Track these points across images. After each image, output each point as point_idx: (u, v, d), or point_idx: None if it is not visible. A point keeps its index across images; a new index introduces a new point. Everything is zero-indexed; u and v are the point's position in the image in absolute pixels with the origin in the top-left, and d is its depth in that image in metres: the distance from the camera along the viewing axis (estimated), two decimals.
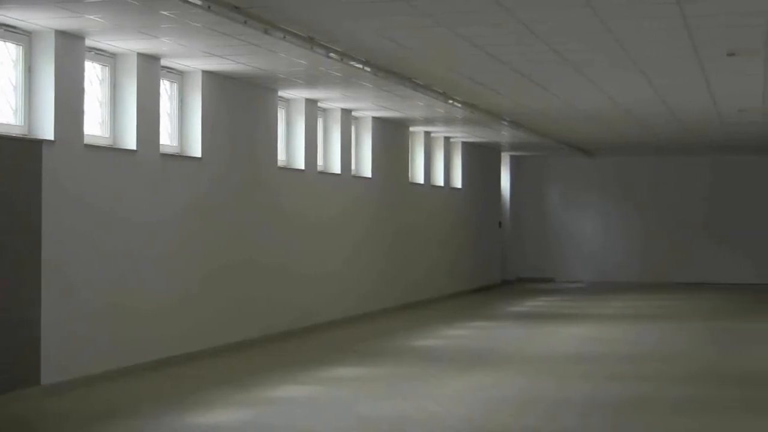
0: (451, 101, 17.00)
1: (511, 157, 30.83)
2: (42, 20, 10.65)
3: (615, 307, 22.35)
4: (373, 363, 13.43)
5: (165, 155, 13.30)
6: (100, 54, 12.25)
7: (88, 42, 11.68)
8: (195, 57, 12.92)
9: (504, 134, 23.87)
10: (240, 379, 11.92)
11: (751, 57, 12.88)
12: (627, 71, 14.12)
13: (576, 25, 10.98)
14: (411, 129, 22.33)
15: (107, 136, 12.47)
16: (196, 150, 14.02)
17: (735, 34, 11.45)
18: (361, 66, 13.15)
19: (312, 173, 17.35)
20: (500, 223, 30.01)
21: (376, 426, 9.45)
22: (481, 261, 27.71)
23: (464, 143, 25.94)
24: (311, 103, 17.15)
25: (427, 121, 21.15)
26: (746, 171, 29.95)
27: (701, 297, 25.01)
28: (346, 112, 18.67)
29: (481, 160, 27.70)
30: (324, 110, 18.28)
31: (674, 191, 30.49)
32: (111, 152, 12.30)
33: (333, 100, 17.39)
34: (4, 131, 10.72)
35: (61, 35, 11.15)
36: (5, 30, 10.76)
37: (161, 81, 13.30)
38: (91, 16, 10.45)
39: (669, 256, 30.52)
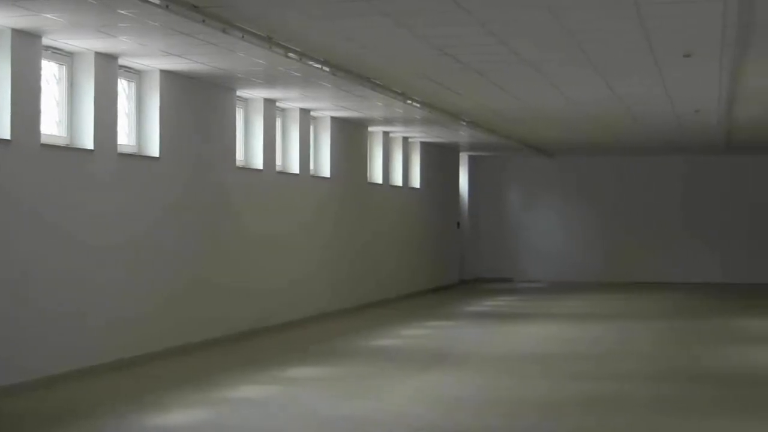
0: (409, 101, 17.02)
1: (470, 157, 30.91)
2: None
3: (574, 306, 22.45)
4: (332, 363, 13.43)
5: (123, 155, 13.23)
6: (57, 53, 12.18)
7: (45, 40, 11.61)
8: (153, 56, 12.86)
9: (462, 134, 23.93)
10: (198, 380, 11.88)
11: (707, 58, 12.98)
12: (585, 72, 14.19)
13: (534, 26, 11.02)
14: (370, 129, 22.34)
15: (64, 135, 12.40)
16: (154, 150, 13.97)
17: (691, 35, 11.53)
18: (319, 66, 13.14)
19: (270, 173, 17.32)
20: (458, 223, 30.08)
21: (335, 426, 9.45)
22: (439, 261, 27.76)
23: (423, 143, 25.98)
24: (270, 103, 17.13)
25: (386, 121, 21.17)
26: (706, 170, 30.19)
27: (662, 296, 25.17)
28: (305, 112, 18.66)
29: (439, 161, 27.75)
30: (283, 110, 18.26)
31: (633, 191, 30.68)
32: (68, 152, 12.23)
33: (292, 99, 17.37)
34: None
35: (18, 34, 11.07)
36: None
37: (119, 80, 13.23)
38: (48, 15, 10.39)
39: (629, 255, 30.71)
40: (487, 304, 22.92)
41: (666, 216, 30.46)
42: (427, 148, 26.41)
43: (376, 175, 23.11)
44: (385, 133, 23.31)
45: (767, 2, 9.83)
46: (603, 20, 10.71)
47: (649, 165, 30.54)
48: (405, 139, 24.78)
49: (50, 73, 12.22)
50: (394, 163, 24.41)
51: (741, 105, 17.98)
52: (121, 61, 13.06)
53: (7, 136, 11.03)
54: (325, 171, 19.97)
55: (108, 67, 12.71)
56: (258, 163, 17.03)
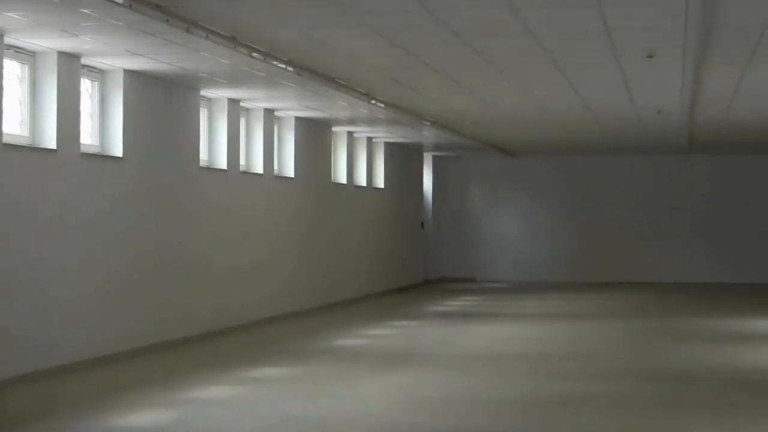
0: (373, 101, 17.04)
1: (434, 157, 30.95)
2: None
3: (537, 306, 22.53)
4: (296, 363, 13.42)
5: (85, 155, 13.17)
6: (19, 52, 12.11)
7: (7, 40, 11.54)
8: (116, 56, 12.82)
9: (426, 135, 23.96)
10: (161, 380, 11.84)
11: (669, 59, 13.06)
12: (548, 72, 14.25)
13: (497, 26, 11.06)
14: (334, 129, 22.34)
15: (26, 135, 12.33)
16: (117, 149, 13.91)
17: (654, 36, 11.60)
18: (284, 66, 13.13)
19: (234, 173, 17.28)
20: (422, 223, 30.12)
21: (299, 426, 9.45)
22: (403, 261, 27.78)
23: (387, 143, 26.00)
24: (234, 103, 17.09)
25: (350, 121, 21.18)
26: (668, 171, 30.37)
27: (625, 296, 25.29)
28: (269, 112, 18.63)
29: (403, 161, 27.78)
30: (247, 110, 18.23)
31: (596, 191, 30.82)
32: (30, 151, 12.16)
33: (256, 99, 17.34)
34: None
35: None
36: None
37: (82, 80, 13.17)
38: (10, 14, 10.33)
39: (592, 255, 30.84)
40: (451, 304, 22.96)
41: (629, 216, 30.63)
42: (391, 148, 26.44)
43: (341, 175, 23.11)
44: (350, 133, 23.32)
45: (729, 3, 9.90)
46: (565, 20, 10.76)
47: (612, 165, 30.69)
48: (369, 139, 24.79)
49: (12, 72, 12.14)
50: (358, 163, 24.42)
51: (703, 106, 18.10)
52: (84, 61, 13.00)
53: None
54: (289, 171, 19.96)
55: (71, 66, 12.65)
56: (222, 163, 16.99)
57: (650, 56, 12.80)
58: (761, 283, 29.33)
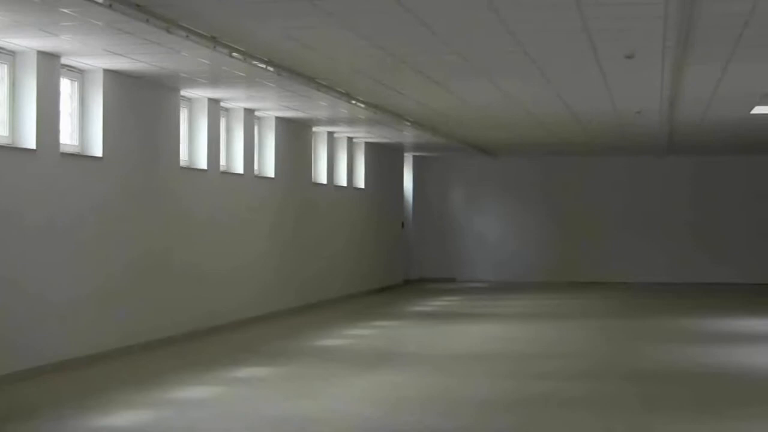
0: (354, 101, 17.04)
1: (414, 157, 30.97)
2: None
3: (518, 306, 22.58)
4: (277, 363, 13.42)
5: (65, 155, 13.14)
6: None
7: None
8: (96, 55, 12.78)
9: (407, 135, 23.98)
10: (143, 381, 11.82)
11: (649, 59, 13.10)
12: (528, 72, 14.27)
13: (477, 27, 11.07)
14: (314, 129, 22.33)
15: (6, 135, 12.28)
16: (97, 150, 13.88)
17: (633, 36, 11.63)
18: (264, 66, 13.12)
19: (214, 173, 17.26)
20: (403, 224, 30.14)
21: (279, 426, 9.45)
22: (384, 261, 27.79)
23: (367, 143, 26.01)
24: (214, 103, 17.07)
25: (331, 122, 21.17)
26: (648, 171, 30.48)
27: (605, 296, 25.36)
28: (249, 112, 18.61)
29: (384, 161, 27.79)
30: (227, 110, 18.21)
31: (576, 191, 30.90)
32: (10, 151, 12.12)
33: (236, 99, 17.32)
34: None
35: None
36: None
37: (62, 79, 13.13)
38: None
39: (572, 255, 30.92)
40: (432, 304, 22.99)
41: (609, 216, 30.71)
42: (371, 148, 26.44)
43: (321, 175, 23.10)
44: (330, 134, 23.31)
45: (708, 4, 9.94)
46: (545, 20, 10.78)
47: (592, 165, 30.78)
48: (349, 140, 24.79)
49: None
50: (338, 163, 24.41)
51: (682, 107, 18.16)
52: (63, 60, 12.97)
53: None
54: (270, 171, 19.94)
55: (50, 66, 12.61)
56: (202, 163, 16.97)
57: (630, 56, 12.84)
58: (741, 283, 29.46)
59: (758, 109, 18.53)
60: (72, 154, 13.43)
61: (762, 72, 14.25)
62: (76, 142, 13.77)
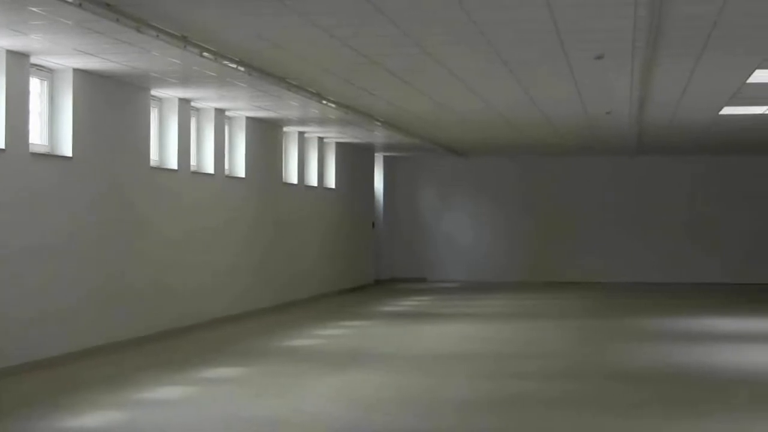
0: (325, 101, 17.03)
1: (385, 157, 30.99)
2: None
3: (489, 306, 22.62)
4: (248, 363, 13.40)
5: (35, 154, 13.08)
6: None
7: None
8: (66, 55, 12.73)
9: (377, 135, 23.99)
10: (113, 381, 11.79)
11: (618, 60, 13.17)
12: (499, 74, 14.31)
13: (448, 28, 11.10)
14: (285, 129, 22.31)
15: None
16: (66, 149, 13.82)
17: (603, 37, 11.69)
18: (235, 66, 13.11)
19: (185, 173, 17.22)
20: (374, 223, 30.15)
21: (251, 427, 9.44)
22: (354, 261, 27.79)
23: (338, 143, 26.00)
24: (184, 103, 17.04)
25: (301, 122, 21.16)
26: (619, 171, 30.60)
27: (575, 296, 25.44)
28: (220, 112, 18.58)
29: (354, 161, 27.79)
30: (197, 110, 18.17)
31: (547, 191, 30.99)
32: None
33: (207, 99, 17.29)
34: None
35: None
36: None
37: (31, 79, 13.07)
38: None
39: (543, 255, 31.01)
40: (403, 304, 23.00)
41: (580, 216, 30.81)
42: (342, 148, 26.44)
43: (291, 176, 23.08)
44: (301, 134, 23.30)
45: (677, 6, 10.00)
46: (516, 21, 10.81)
47: (563, 165, 30.87)
48: (320, 140, 24.78)
49: None
50: (309, 163, 24.40)
51: (652, 107, 18.25)
52: (33, 60, 12.91)
53: None
54: (240, 171, 19.91)
55: (20, 65, 12.55)
56: (172, 163, 16.93)
57: (600, 58, 12.89)
58: (714, 282, 29.63)
59: (727, 110, 18.64)
60: (42, 154, 13.37)
61: (730, 73, 14.34)
62: (45, 142, 13.71)
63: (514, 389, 11.38)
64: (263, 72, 13.95)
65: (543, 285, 29.42)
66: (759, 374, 12.62)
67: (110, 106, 14.79)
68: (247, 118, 19.85)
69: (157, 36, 10.86)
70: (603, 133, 23.19)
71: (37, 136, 13.52)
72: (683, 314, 20.40)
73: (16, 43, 11.89)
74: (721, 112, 18.95)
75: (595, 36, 11.62)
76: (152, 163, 16.35)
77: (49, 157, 13.53)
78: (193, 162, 17.95)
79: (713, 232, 30.24)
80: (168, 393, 11.10)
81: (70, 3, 9.45)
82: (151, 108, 16.24)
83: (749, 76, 14.52)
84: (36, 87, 13.52)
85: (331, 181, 25.86)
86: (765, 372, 12.83)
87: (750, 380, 12.12)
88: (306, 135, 23.87)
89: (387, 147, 27.94)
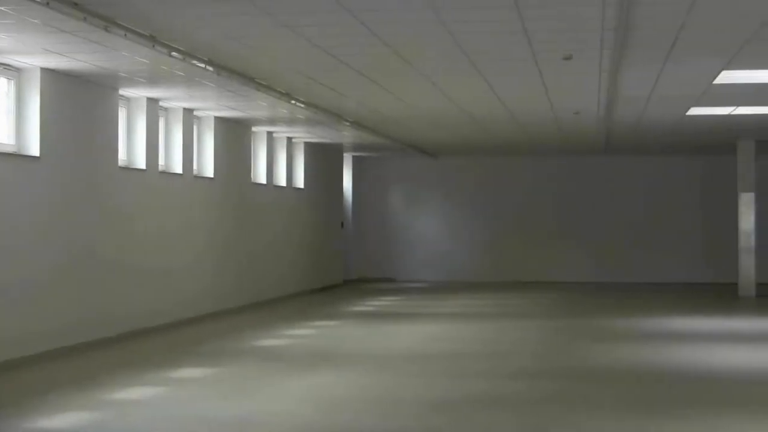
0: (293, 101, 17.02)
1: (354, 157, 31.00)
2: None
3: (457, 306, 22.66)
4: (217, 363, 13.37)
5: (2, 154, 13.01)
6: None
7: None
8: (33, 54, 12.67)
9: (346, 135, 24.00)
10: (81, 382, 11.74)
11: (586, 60, 13.22)
12: (467, 74, 14.34)
13: (417, 28, 11.11)
14: (254, 129, 22.28)
15: None
16: (34, 149, 13.75)
17: (571, 37, 11.73)
18: (203, 65, 13.08)
19: (153, 173, 17.17)
20: (343, 223, 30.15)
21: (219, 428, 9.42)
22: (323, 261, 27.79)
23: (307, 143, 25.99)
24: (153, 102, 16.98)
25: (270, 121, 21.14)
26: (586, 171, 30.73)
27: (543, 295, 25.53)
28: (189, 112, 18.54)
29: (323, 161, 27.78)
30: (166, 109, 18.12)
31: (516, 191, 31.08)
32: None
33: (175, 99, 17.24)
34: None
35: None
36: None
37: None
38: None
39: (511, 255, 31.10)
40: (371, 304, 23.01)
41: (547, 216, 30.93)
42: (311, 148, 26.42)
43: (260, 175, 23.05)
44: (269, 133, 23.27)
45: (644, 6, 10.05)
46: (484, 21, 10.84)
47: (531, 166, 30.97)
48: (289, 140, 24.76)
49: None
50: (278, 163, 24.38)
51: (620, 107, 18.33)
52: (0, 59, 12.83)
53: None
54: (209, 171, 19.87)
55: None
56: (141, 163, 16.87)
57: (568, 58, 12.94)
58: (679, 282, 29.80)
59: (694, 110, 18.74)
60: (8, 154, 13.30)
61: (698, 73, 14.42)
62: (12, 142, 13.64)
63: (477, 389, 11.40)
64: (232, 72, 13.92)
65: (511, 285, 29.49)
66: (722, 373, 12.73)
67: (78, 105, 14.73)
68: (216, 117, 19.81)
69: (125, 35, 10.83)
70: (571, 133, 23.28)
71: (4, 136, 13.45)
72: (648, 314, 20.50)
73: None
74: (689, 113, 19.06)
75: (563, 36, 11.67)
76: (120, 163, 16.29)
77: (16, 157, 13.46)
78: (161, 162, 17.90)
79: (681, 233, 30.39)
80: (136, 393, 11.07)
81: (38, 2, 9.40)
82: (120, 108, 16.18)
83: (716, 77, 14.61)
84: (3, 86, 13.46)
85: (299, 181, 25.84)
86: (728, 371, 12.93)
87: (714, 379, 12.22)
88: (275, 135, 23.85)
89: (356, 147, 27.95)
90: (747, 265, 25.55)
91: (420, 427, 9.46)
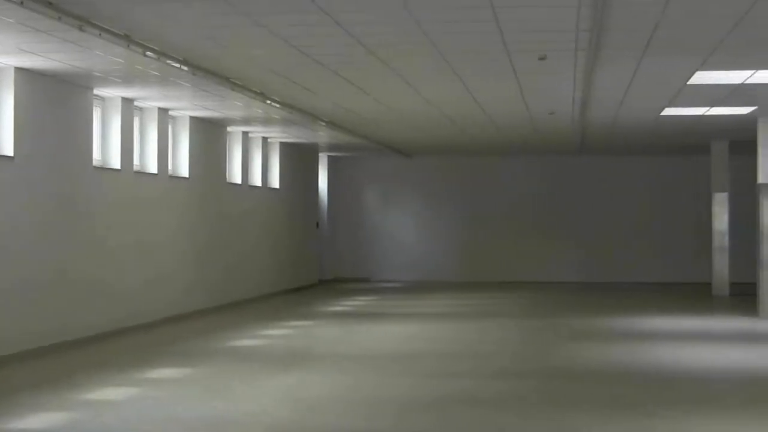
0: (269, 101, 17.00)
1: (329, 157, 30.99)
2: None
3: (432, 306, 22.68)
4: (192, 364, 13.35)
5: None
6: None
7: None
8: (7, 53, 12.61)
9: (322, 135, 23.99)
10: (55, 382, 11.70)
11: (561, 61, 13.26)
12: (443, 74, 14.36)
13: (393, 28, 11.12)
14: (229, 129, 22.24)
15: None
16: (7, 149, 13.69)
17: (546, 38, 11.76)
18: (178, 65, 13.05)
19: (128, 173, 17.12)
20: (318, 223, 30.14)
21: (194, 427, 9.40)
22: (298, 261, 27.76)
23: (282, 143, 25.96)
24: (128, 102, 16.94)
25: (245, 121, 21.11)
26: (561, 171, 30.81)
27: (519, 295, 25.57)
28: (163, 111, 18.49)
29: (299, 161, 27.76)
30: (141, 109, 18.07)
31: (490, 191, 31.12)
32: None
33: (150, 99, 17.20)
34: None
35: None
36: None
37: None
38: None
39: (487, 255, 31.15)
40: (346, 304, 23.01)
41: (523, 216, 30.99)
42: (286, 148, 26.40)
43: (235, 176, 23.01)
44: (245, 133, 23.24)
45: (619, 6, 10.08)
46: (459, 21, 10.86)
47: (506, 165, 31.03)
48: (264, 139, 24.73)
49: None
50: (253, 163, 24.34)
51: (594, 108, 18.39)
52: None
53: None
54: (184, 171, 19.83)
55: None
56: (115, 162, 16.82)
57: (543, 58, 12.97)
58: (654, 282, 29.91)
59: (668, 111, 18.82)
60: None
61: (672, 74, 14.48)
62: None
63: (456, 389, 11.42)
64: (207, 72, 13.90)
65: (486, 285, 29.53)
66: (694, 372, 12.81)
67: (52, 105, 14.67)
68: (191, 117, 19.77)
69: (100, 35, 10.79)
70: (547, 133, 23.33)
71: None
72: (623, 314, 20.57)
73: None
74: (663, 113, 19.13)
75: (538, 37, 11.70)
76: (95, 163, 16.24)
77: None
78: (136, 162, 17.85)
79: (655, 232, 30.51)
80: (111, 394, 11.03)
81: (12, 1, 9.36)
82: (94, 107, 16.13)
83: (690, 77, 14.67)
84: None
85: (275, 181, 25.81)
86: (700, 370, 13.01)
87: (686, 378, 12.29)
88: (250, 135, 23.82)
89: (331, 147, 27.94)
90: (721, 264, 25.70)
91: (394, 427, 9.47)
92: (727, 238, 25.71)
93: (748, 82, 15.12)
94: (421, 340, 16.17)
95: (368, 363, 13.58)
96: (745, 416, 9.93)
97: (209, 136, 20.93)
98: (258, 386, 11.60)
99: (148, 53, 12.07)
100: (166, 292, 18.75)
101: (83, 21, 10.32)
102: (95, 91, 15.90)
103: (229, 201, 22.29)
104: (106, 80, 14.94)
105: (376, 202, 31.79)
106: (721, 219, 25.80)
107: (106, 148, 16.79)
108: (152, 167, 18.30)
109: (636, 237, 30.61)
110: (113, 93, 16.34)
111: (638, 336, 16.63)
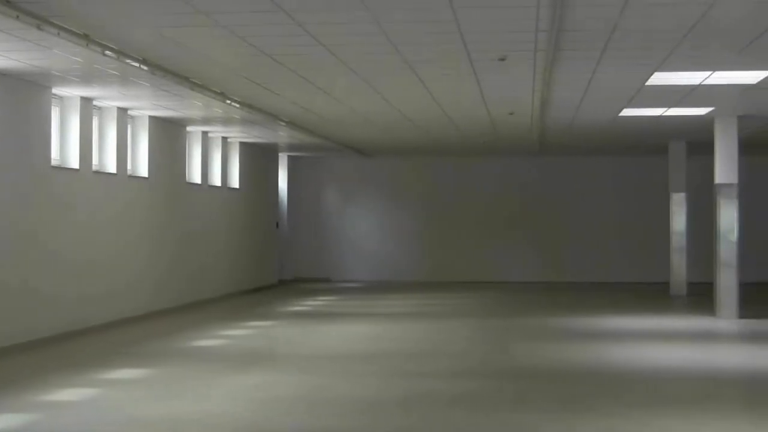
0: (228, 101, 16.97)
1: (289, 157, 30.96)
2: None
3: (392, 306, 22.70)
4: (151, 364, 13.30)
5: None
6: None
7: None
8: None
9: (282, 135, 23.97)
10: (12, 383, 11.62)
11: (521, 62, 13.31)
12: (402, 74, 14.38)
13: (352, 28, 11.13)
14: (188, 129, 22.18)
15: None
16: None
17: (506, 39, 11.81)
18: (137, 65, 13.00)
19: (87, 173, 17.04)
20: (278, 224, 30.10)
21: (152, 428, 9.37)
22: (258, 261, 27.72)
23: (242, 143, 25.92)
24: (86, 101, 16.85)
25: (205, 121, 21.05)
26: (522, 171, 30.92)
27: (479, 295, 25.63)
28: (123, 111, 18.41)
29: (259, 161, 27.71)
30: (100, 108, 17.98)
31: (451, 191, 31.20)
32: None
33: (110, 98, 17.12)
34: None
35: None
36: None
37: None
38: None
39: (446, 255, 31.20)
40: (306, 304, 23.00)
41: (485, 216, 31.07)
42: (246, 148, 26.35)
43: (195, 175, 22.95)
44: (204, 133, 23.18)
45: (577, 8, 10.14)
46: (418, 21, 10.87)
47: (467, 166, 31.10)
48: (224, 139, 24.68)
49: None
50: (212, 163, 24.28)
51: (554, 108, 18.47)
52: None
53: None
54: (143, 171, 19.75)
55: None
56: (74, 162, 16.74)
57: (502, 59, 13.02)
58: (614, 282, 30.07)
59: (627, 111, 18.93)
60: None
61: (630, 75, 14.57)
62: None
63: (420, 388, 11.43)
64: (166, 71, 13.85)
65: (446, 285, 29.59)
66: (651, 371, 12.90)
67: (10, 104, 14.57)
68: (150, 117, 19.70)
69: (59, 34, 10.74)
70: (506, 133, 23.41)
71: None
72: (581, 313, 20.68)
73: None
74: (621, 114, 19.24)
75: (498, 37, 11.74)
76: (53, 163, 16.15)
77: None
78: (95, 161, 17.77)
79: (614, 232, 30.68)
80: (68, 395, 10.98)
81: None
82: (53, 106, 16.04)
83: (648, 78, 14.77)
84: None
85: (234, 181, 25.76)
86: (657, 369, 13.10)
87: (642, 377, 12.39)
88: (210, 135, 23.76)
89: (291, 147, 27.92)
90: (678, 264, 25.89)
91: (356, 427, 9.47)
92: (684, 238, 25.90)
93: (705, 83, 15.25)
94: (382, 340, 16.18)
95: (331, 363, 13.58)
96: (702, 415, 10.02)
97: (169, 136, 20.86)
98: (217, 386, 11.57)
99: (107, 52, 12.01)
100: (125, 293, 18.67)
101: (41, 20, 10.27)
102: (54, 91, 15.81)
103: (189, 201, 22.22)
104: (64, 79, 14.86)
105: (337, 202, 31.79)
106: (678, 219, 26.00)
107: (64, 148, 16.70)
108: (111, 167, 18.22)
109: (596, 237, 30.77)
110: (72, 92, 16.26)
111: (598, 336, 16.72)
